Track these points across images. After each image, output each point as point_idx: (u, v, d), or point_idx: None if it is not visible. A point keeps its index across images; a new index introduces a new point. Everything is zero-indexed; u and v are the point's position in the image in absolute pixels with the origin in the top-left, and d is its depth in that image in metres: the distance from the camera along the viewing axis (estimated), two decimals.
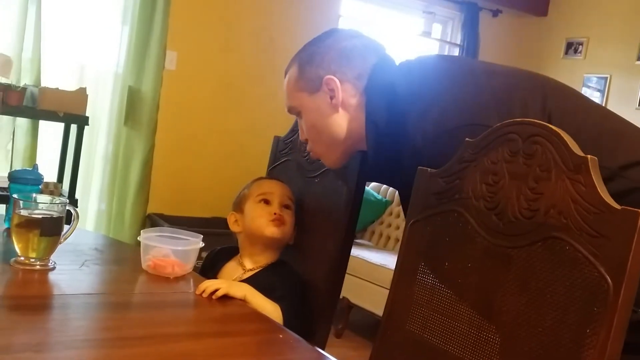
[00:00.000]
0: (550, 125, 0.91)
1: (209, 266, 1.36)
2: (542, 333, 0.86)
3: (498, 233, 0.94)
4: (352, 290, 3.18)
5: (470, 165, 1.00)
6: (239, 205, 1.50)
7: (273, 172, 1.68)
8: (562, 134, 0.90)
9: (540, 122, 0.93)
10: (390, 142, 1.21)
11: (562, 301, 0.84)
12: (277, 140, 1.71)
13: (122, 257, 1.52)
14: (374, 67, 1.28)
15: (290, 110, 1.36)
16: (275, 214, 1.43)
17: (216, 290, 1.21)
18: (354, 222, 1.44)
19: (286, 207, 1.46)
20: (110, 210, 3.60)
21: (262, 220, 1.43)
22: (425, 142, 1.13)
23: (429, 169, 1.07)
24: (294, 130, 1.59)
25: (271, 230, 1.43)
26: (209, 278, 1.32)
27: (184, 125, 3.80)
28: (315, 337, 1.38)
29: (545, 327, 0.86)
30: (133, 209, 3.56)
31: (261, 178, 1.55)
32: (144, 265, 1.32)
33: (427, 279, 1.04)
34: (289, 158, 1.65)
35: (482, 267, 0.96)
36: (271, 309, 1.28)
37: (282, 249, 1.48)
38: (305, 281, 1.43)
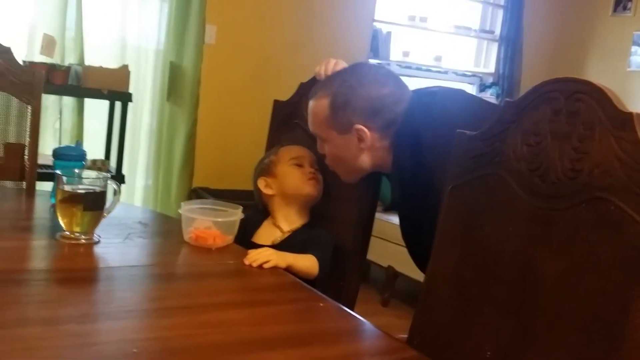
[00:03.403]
0: (594, 81, 0.87)
1: (240, 232, 1.38)
2: (586, 297, 0.83)
3: (540, 195, 0.91)
4: (398, 259, 3.15)
5: (511, 126, 0.97)
6: (268, 170, 1.55)
7: (278, 136, 1.70)
8: (605, 90, 0.85)
9: (582, 78, 0.89)
10: (416, 188, 1.34)
11: (607, 264, 0.81)
12: (279, 104, 1.73)
13: (165, 229, 1.54)
14: (403, 116, 1.37)
15: (315, 135, 1.46)
16: (311, 172, 1.52)
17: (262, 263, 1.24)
18: (378, 185, 1.54)
19: (315, 169, 1.55)
20: (156, 186, 3.67)
21: (299, 180, 1.51)
22: None
23: (467, 132, 1.04)
24: (299, 93, 1.66)
25: (309, 189, 1.52)
26: (241, 244, 1.36)
27: (225, 98, 3.81)
28: (345, 296, 1.48)
29: (590, 291, 0.82)
30: (179, 184, 3.62)
31: (285, 144, 1.60)
32: (185, 237, 1.33)
33: (468, 244, 1.02)
34: (297, 121, 1.67)
35: (524, 230, 0.93)
36: (310, 263, 1.37)
37: (310, 209, 1.56)
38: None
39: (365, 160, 1.41)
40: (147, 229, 1.46)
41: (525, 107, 0.94)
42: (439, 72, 4.64)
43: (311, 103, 1.44)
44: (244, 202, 1.49)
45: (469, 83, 4.85)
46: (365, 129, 1.36)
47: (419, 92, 1.44)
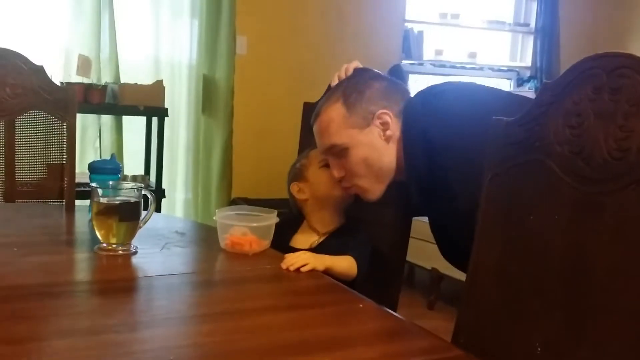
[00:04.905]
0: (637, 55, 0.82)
1: (277, 237, 1.37)
2: None
3: (586, 179, 0.86)
4: (442, 260, 3.10)
5: (550, 108, 0.92)
6: (300, 175, 1.53)
7: (309, 139, 1.67)
8: None
9: (624, 52, 0.84)
10: (436, 191, 1.30)
11: None
12: (309, 106, 1.71)
13: (202, 238, 1.53)
14: (404, 109, 1.36)
15: (333, 148, 1.39)
16: None
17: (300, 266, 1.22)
18: None
19: None
20: (196, 199, 3.69)
21: (330, 182, 1.46)
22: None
23: (503, 118, 1.00)
24: (327, 94, 1.60)
25: (340, 190, 1.46)
26: (279, 249, 1.34)
27: (259, 107, 3.82)
28: (387, 299, 1.45)
29: None
30: (218, 196, 3.64)
31: (315, 147, 1.54)
32: (222, 244, 1.32)
33: (511, 235, 0.97)
34: None
35: (571, 217, 0.88)
36: (348, 264, 1.34)
37: (345, 211, 1.53)
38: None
39: (391, 154, 1.36)
40: (184, 238, 1.46)
41: (565, 87, 0.90)
42: (474, 68, 4.57)
43: (319, 119, 1.40)
44: (284, 211, 1.47)
45: (506, 78, 4.76)
46: (387, 112, 1.35)
47: (424, 94, 1.40)
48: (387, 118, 1.34)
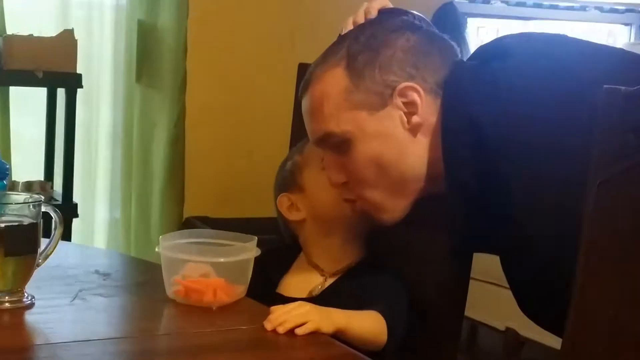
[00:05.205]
0: None
1: (260, 280, 1.38)
2: None
3: None
4: (521, 316, 3.11)
5: None
6: (292, 181, 1.55)
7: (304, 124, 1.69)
8: None
9: None
10: (493, 208, 1.29)
11: None
12: (305, 69, 1.73)
13: (137, 281, 1.55)
14: (447, 82, 1.36)
15: (328, 139, 1.39)
16: None
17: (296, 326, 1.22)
18: None
19: None
20: (127, 219, 3.70)
21: (335, 195, 1.47)
22: None
23: (622, 88, 1.00)
24: None
25: (349, 209, 1.46)
26: (261, 298, 1.35)
27: (227, 74, 3.83)
28: None
29: None
30: (162, 214, 3.65)
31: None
32: (168, 292, 1.33)
33: (635, 271, 0.98)
34: None
35: None
36: (373, 324, 1.33)
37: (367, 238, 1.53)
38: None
39: (420, 153, 1.37)
40: (109, 282, 1.46)
41: None
42: (571, 8, 4.59)
43: (310, 91, 1.42)
44: (263, 237, 1.47)
45: (623, 24, 4.79)
46: (416, 85, 1.34)
47: (482, 55, 1.41)
48: (415, 96, 1.35)
